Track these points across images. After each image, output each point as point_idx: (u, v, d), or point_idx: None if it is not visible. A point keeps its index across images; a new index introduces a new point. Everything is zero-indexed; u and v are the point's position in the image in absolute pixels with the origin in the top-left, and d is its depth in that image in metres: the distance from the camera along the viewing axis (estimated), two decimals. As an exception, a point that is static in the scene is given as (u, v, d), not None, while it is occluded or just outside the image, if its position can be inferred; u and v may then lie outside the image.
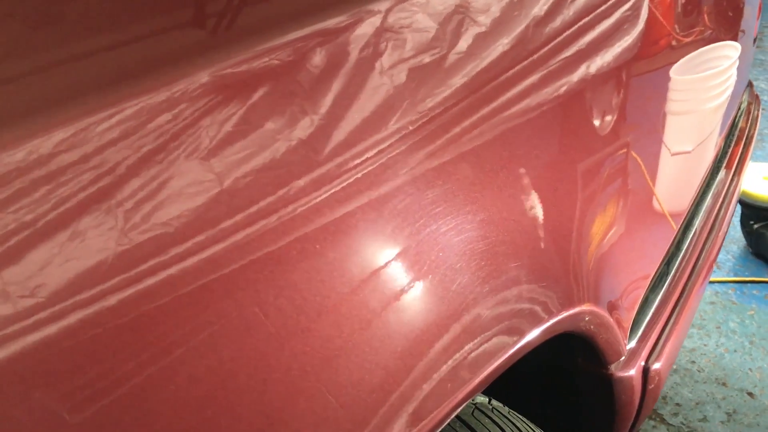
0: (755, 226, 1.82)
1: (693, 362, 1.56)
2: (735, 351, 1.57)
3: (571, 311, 0.52)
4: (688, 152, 0.89)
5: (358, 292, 0.38)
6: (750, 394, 1.45)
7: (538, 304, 0.49)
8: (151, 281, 0.31)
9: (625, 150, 0.68)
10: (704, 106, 0.92)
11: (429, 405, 0.40)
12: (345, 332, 0.37)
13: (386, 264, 0.40)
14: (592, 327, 0.57)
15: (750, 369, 1.51)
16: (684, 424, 1.41)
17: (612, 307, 0.63)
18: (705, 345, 1.59)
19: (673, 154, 0.83)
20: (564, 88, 0.55)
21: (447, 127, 0.44)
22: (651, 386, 0.74)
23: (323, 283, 0.37)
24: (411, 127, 0.42)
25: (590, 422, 0.74)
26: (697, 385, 1.49)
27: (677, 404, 1.46)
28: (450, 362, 0.42)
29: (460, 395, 0.42)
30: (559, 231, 0.54)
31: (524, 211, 0.50)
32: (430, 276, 0.42)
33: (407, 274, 0.41)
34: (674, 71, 0.80)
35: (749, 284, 1.77)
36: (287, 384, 0.35)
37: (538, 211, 0.52)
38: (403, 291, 0.40)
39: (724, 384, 1.49)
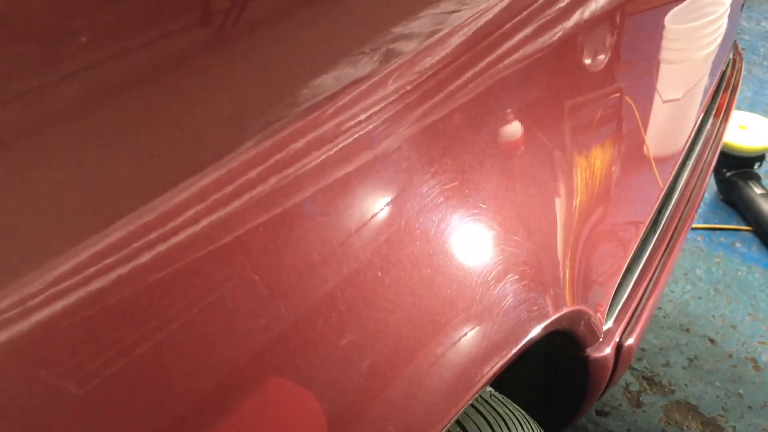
0: (728, 174, 1.84)
1: (660, 308, 1.61)
2: (700, 298, 1.62)
3: (568, 309, 0.53)
4: (677, 100, 0.88)
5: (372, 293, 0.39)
6: (711, 340, 1.51)
7: (541, 302, 0.49)
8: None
9: (618, 100, 0.68)
10: (696, 55, 0.91)
11: (448, 399, 0.42)
12: (366, 329, 0.39)
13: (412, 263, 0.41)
14: (576, 323, 0.58)
15: (713, 316, 1.57)
16: (647, 369, 1.47)
17: (593, 296, 0.64)
18: (672, 291, 1.64)
19: (664, 102, 0.83)
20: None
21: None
22: (623, 361, 0.76)
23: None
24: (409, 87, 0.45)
25: (559, 396, 0.77)
26: (662, 331, 1.55)
27: (642, 349, 1.51)
28: (464, 359, 0.43)
29: (474, 389, 0.43)
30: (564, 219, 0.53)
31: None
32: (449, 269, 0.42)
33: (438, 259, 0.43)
34: (669, 19, 0.78)
35: (717, 231, 1.81)
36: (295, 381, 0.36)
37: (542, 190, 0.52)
38: (429, 286, 0.42)
39: (687, 330, 1.55)
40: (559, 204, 0.57)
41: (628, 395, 1.42)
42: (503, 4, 0.54)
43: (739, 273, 1.68)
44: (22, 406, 0.29)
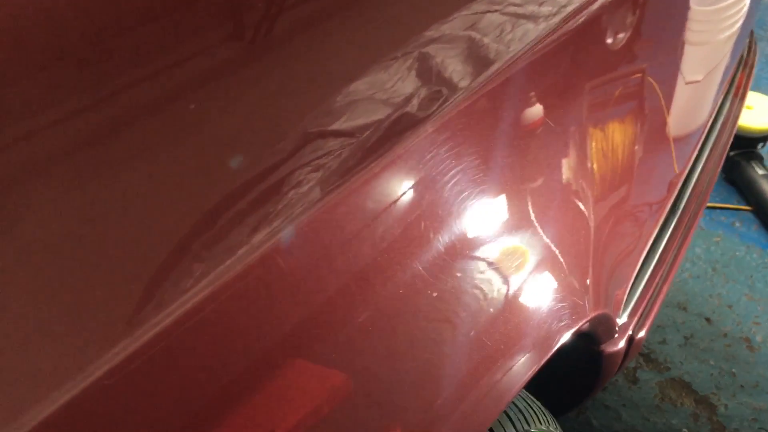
0: (731, 153, 1.84)
1: (658, 287, 1.64)
2: (698, 277, 1.65)
3: (594, 314, 0.54)
4: (698, 81, 0.88)
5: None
6: (708, 319, 1.55)
7: (571, 310, 0.51)
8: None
9: (644, 88, 0.69)
10: (719, 37, 0.90)
11: (494, 400, 0.45)
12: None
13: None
14: (598, 325, 0.59)
15: (710, 295, 1.60)
16: (644, 346, 1.50)
17: (612, 295, 0.65)
18: (671, 270, 1.67)
19: (687, 83, 0.83)
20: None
21: None
22: (632, 351, 0.78)
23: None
24: None
25: (569, 385, 0.79)
26: (660, 309, 1.58)
27: (639, 327, 1.55)
28: (507, 365, 0.46)
29: (515, 391, 0.46)
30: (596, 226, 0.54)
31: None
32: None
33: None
34: (695, 0, 0.78)
35: (717, 210, 1.83)
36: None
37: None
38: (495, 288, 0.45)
39: (684, 309, 1.58)
40: (587, 209, 0.57)
41: (625, 371, 1.45)
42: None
43: (737, 253, 1.70)
44: None
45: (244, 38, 0.36)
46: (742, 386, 1.41)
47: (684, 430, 1.35)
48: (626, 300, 0.73)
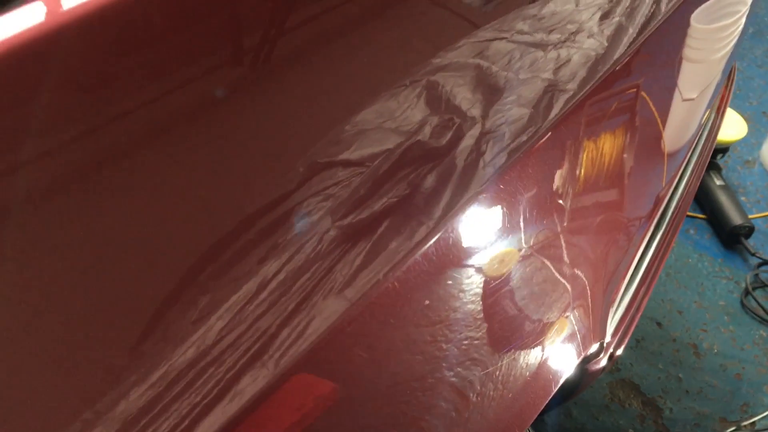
0: (692, 161, 1.89)
1: (613, 288, 1.67)
2: (652, 281, 1.69)
3: (596, 343, 0.54)
4: (693, 99, 0.88)
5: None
6: (659, 323, 1.59)
7: (579, 341, 0.50)
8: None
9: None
10: (715, 56, 0.90)
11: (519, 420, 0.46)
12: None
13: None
14: (593, 350, 0.58)
15: (662, 300, 1.65)
16: (597, 346, 1.54)
17: (605, 319, 0.64)
18: (627, 273, 1.70)
19: (683, 100, 0.83)
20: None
21: None
22: (609, 366, 0.78)
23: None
24: None
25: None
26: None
27: (594, 326, 1.58)
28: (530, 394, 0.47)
29: (536, 413, 0.47)
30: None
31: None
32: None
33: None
34: (695, 18, 0.77)
35: (674, 216, 1.88)
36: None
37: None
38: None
39: (637, 311, 1.62)
40: (587, 234, 0.56)
41: (578, 370, 1.48)
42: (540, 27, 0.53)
43: (690, 260, 1.75)
44: None
45: (251, 67, 0.35)
46: (687, 391, 1.46)
47: (630, 430, 1.39)
48: (611, 319, 0.73)
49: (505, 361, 0.43)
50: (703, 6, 0.78)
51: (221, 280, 0.35)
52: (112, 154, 0.31)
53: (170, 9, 0.31)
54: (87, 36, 0.29)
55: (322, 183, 0.39)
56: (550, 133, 0.50)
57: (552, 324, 0.47)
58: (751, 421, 1.40)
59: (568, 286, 0.50)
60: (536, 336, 0.46)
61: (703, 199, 1.87)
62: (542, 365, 0.45)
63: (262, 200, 0.37)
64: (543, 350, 0.46)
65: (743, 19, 0.96)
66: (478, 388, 0.41)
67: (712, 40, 0.85)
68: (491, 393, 0.41)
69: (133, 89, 0.31)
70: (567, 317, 0.50)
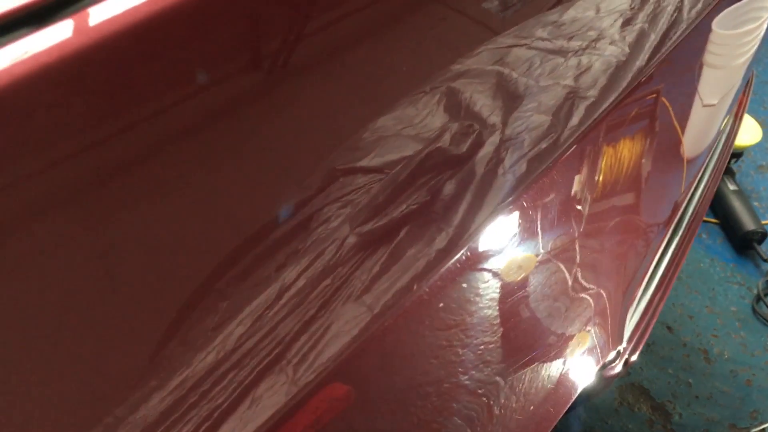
0: (705, 165, 1.88)
1: (624, 291, 1.66)
2: (663, 285, 1.68)
3: (614, 351, 0.54)
4: (713, 105, 0.88)
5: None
6: (669, 328, 1.58)
7: (599, 350, 0.50)
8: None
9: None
10: (737, 62, 0.90)
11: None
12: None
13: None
14: (611, 357, 0.58)
15: (673, 304, 1.63)
16: (606, 349, 1.53)
17: (622, 327, 0.64)
18: (637, 276, 1.69)
19: (703, 106, 0.82)
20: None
21: None
22: (623, 372, 0.77)
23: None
24: None
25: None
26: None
27: (604, 330, 1.57)
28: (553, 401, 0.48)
29: (558, 417, 0.47)
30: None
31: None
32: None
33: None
34: (717, 23, 0.76)
35: (686, 220, 1.86)
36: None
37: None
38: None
39: (647, 315, 1.61)
40: (617, 249, 0.56)
41: (587, 374, 1.48)
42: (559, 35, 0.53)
43: (702, 265, 1.74)
44: None
45: (270, 73, 0.35)
46: (696, 396, 1.45)
47: (639, 435, 1.39)
48: (627, 325, 0.72)
49: (527, 374, 0.43)
50: (726, 11, 0.77)
51: (241, 286, 0.35)
52: (135, 160, 0.30)
53: (191, 16, 0.31)
54: (114, 46, 0.29)
55: (342, 189, 0.39)
56: (575, 146, 0.50)
57: (573, 336, 0.47)
58: (761, 428, 1.39)
59: (590, 299, 0.49)
60: (558, 348, 0.46)
61: (716, 204, 1.85)
62: (563, 376, 0.45)
63: (281, 207, 0.37)
64: (564, 362, 0.46)
65: (765, 24, 0.95)
66: (502, 400, 0.41)
67: (734, 46, 0.85)
68: (513, 405, 0.41)
69: (156, 95, 0.31)
70: (588, 331, 0.49)
